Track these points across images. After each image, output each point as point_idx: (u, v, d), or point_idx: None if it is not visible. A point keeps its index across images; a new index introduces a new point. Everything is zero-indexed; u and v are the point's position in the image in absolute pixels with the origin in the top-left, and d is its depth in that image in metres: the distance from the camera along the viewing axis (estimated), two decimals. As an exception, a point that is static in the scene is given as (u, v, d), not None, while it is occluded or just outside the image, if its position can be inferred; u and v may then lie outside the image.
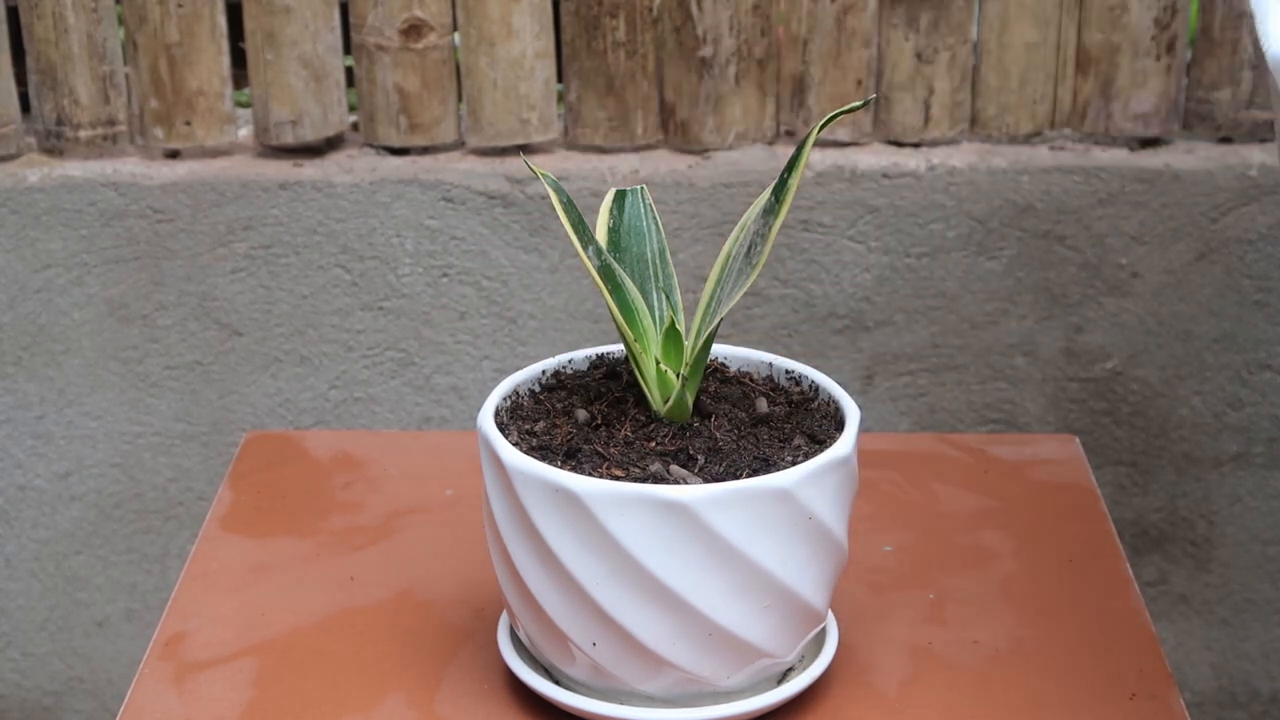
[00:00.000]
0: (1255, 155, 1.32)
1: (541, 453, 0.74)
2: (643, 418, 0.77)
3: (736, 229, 0.77)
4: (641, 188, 0.80)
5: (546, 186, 0.76)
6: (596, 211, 0.82)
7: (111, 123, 1.34)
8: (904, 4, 1.30)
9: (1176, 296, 1.34)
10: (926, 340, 1.36)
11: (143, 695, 0.82)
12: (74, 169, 1.33)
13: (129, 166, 1.33)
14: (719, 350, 0.83)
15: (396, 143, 1.34)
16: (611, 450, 0.75)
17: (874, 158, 1.33)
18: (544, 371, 0.82)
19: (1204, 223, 1.32)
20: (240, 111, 1.39)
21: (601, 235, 0.79)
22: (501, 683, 0.82)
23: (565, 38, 1.31)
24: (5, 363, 1.36)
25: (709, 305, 0.77)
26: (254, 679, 0.83)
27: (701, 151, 1.33)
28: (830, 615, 0.82)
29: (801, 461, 0.73)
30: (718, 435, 0.75)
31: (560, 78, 1.34)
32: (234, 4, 1.33)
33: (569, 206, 0.76)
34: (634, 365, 0.77)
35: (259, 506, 0.99)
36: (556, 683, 0.78)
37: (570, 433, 0.76)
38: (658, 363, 0.76)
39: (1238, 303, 1.34)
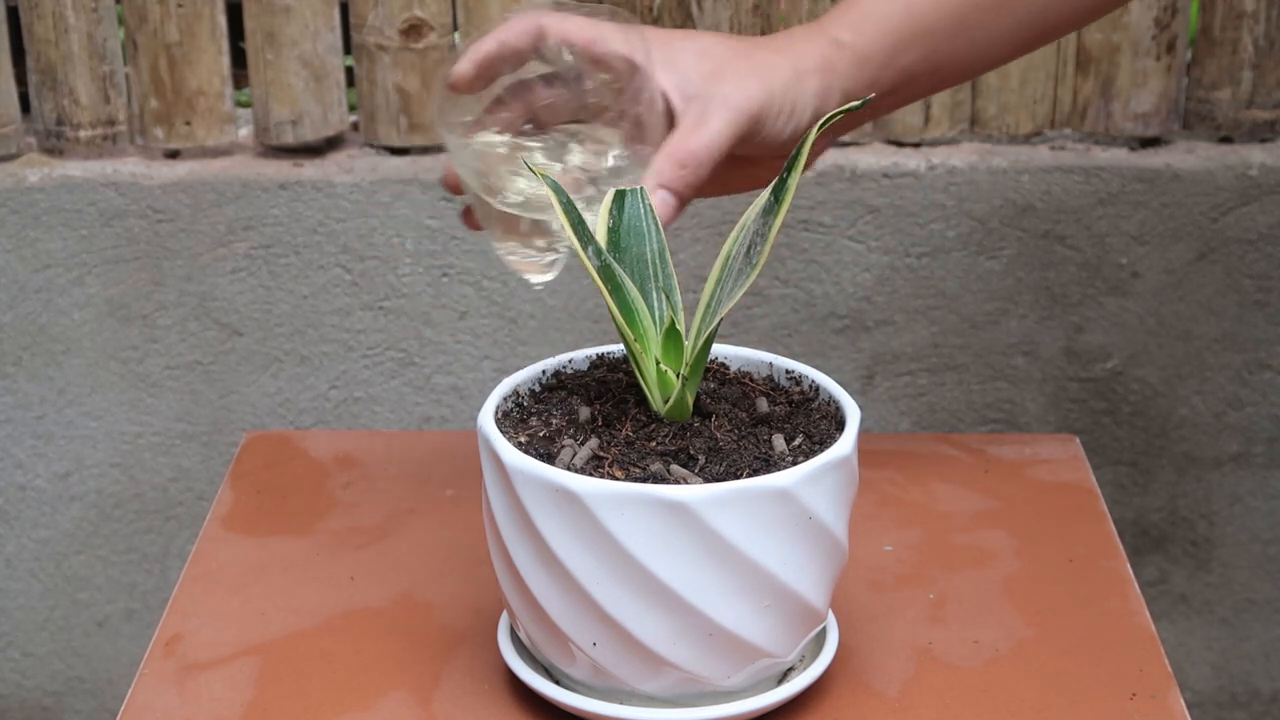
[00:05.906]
0: (1255, 155, 1.31)
1: (541, 453, 0.74)
2: (643, 417, 0.77)
3: (736, 229, 0.77)
4: (641, 188, 0.80)
5: (546, 187, 0.76)
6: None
7: (111, 123, 1.34)
8: (904, 4, 1.30)
9: (1176, 296, 1.34)
10: (926, 340, 1.36)
11: (143, 695, 0.82)
12: (74, 169, 1.33)
13: (129, 166, 1.33)
14: (719, 350, 0.83)
15: (397, 142, 1.34)
16: (612, 450, 0.75)
17: (874, 157, 1.32)
18: (544, 371, 0.82)
19: (1204, 223, 1.32)
20: (240, 111, 1.39)
21: (601, 235, 0.79)
22: (501, 682, 0.82)
23: (565, 38, 1.31)
24: (5, 363, 1.36)
25: (709, 305, 0.77)
26: (254, 679, 0.82)
27: (701, 151, 1.33)
28: (830, 615, 0.82)
29: (801, 461, 0.73)
30: (718, 435, 0.75)
31: (560, 78, 1.34)
32: (234, 4, 1.33)
33: (569, 206, 0.76)
34: (634, 365, 0.77)
35: (259, 506, 0.99)
36: (556, 683, 0.78)
37: (570, 430, 0.76)
38: (658, 363, 0.76)
39: (1238, 303, 1.34)
